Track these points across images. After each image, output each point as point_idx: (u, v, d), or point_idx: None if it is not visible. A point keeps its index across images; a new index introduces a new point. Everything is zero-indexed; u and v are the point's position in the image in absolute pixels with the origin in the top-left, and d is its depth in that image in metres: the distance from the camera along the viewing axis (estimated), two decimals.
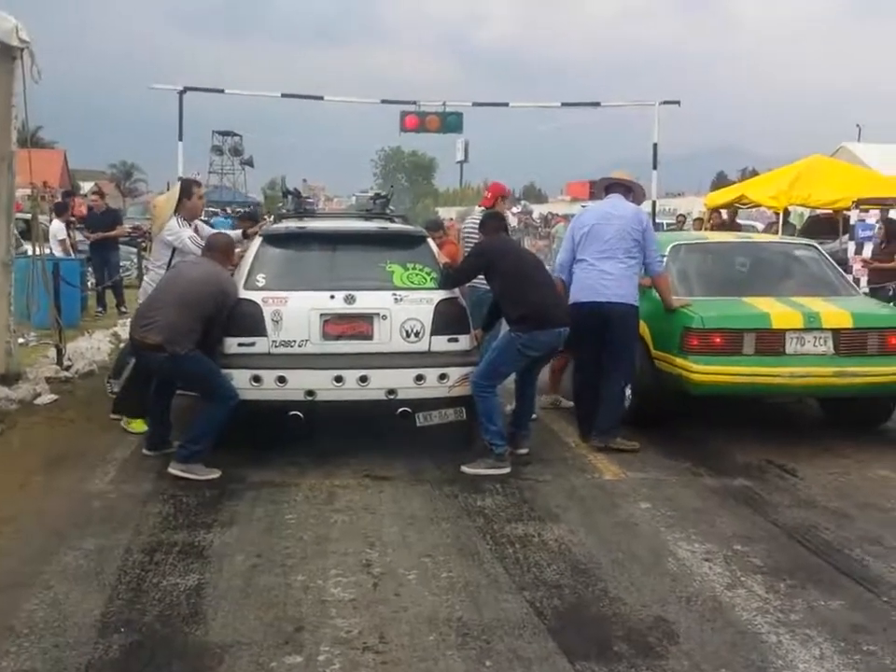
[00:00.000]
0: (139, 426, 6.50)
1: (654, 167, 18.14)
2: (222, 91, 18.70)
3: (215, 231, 7.67)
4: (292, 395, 5.74)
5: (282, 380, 5.71)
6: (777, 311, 6.51)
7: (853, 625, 3.71)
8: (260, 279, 6.04)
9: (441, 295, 6.12)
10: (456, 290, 6.32)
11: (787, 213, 15.31)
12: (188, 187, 7.05)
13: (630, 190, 6.81)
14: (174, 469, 5.53)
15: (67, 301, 10.08)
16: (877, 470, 6.01)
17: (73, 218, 15.33)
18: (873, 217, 12.61)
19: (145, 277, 7.66)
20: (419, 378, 5.82)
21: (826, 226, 16.01)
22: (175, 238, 6.65)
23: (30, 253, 9.28)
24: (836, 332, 6.40)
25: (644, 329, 6.69)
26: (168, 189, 9.07)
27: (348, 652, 3.42)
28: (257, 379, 5.71)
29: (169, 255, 6.72)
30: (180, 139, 17.47)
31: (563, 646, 3.49)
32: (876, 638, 3.60)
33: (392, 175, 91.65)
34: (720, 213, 17.17)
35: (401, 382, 5.82)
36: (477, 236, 7.08)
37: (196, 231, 6.94)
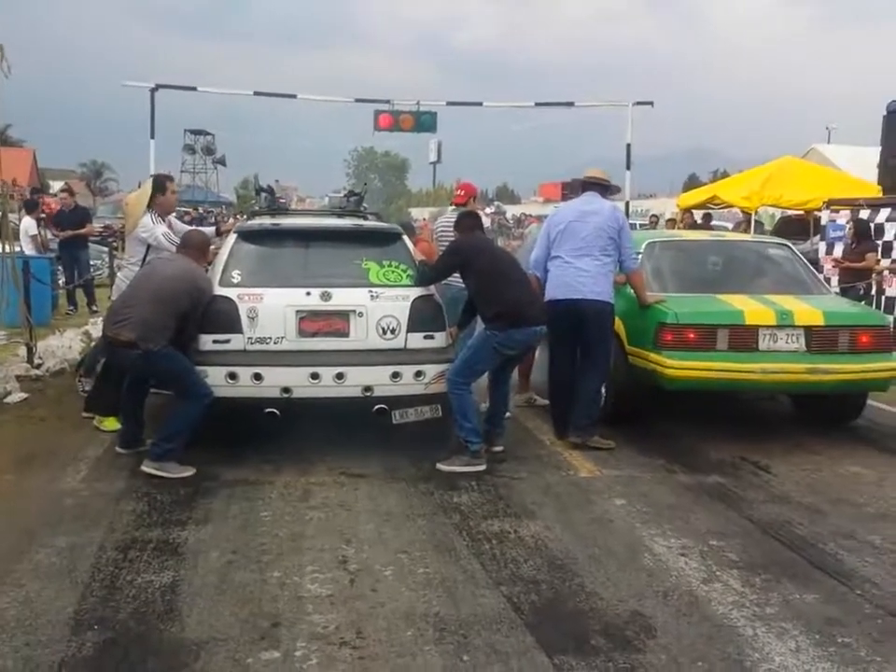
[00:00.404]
0: (111, 424, 6.43)
1: (628, 167, 18.21)
2: (194, 89, 18.56)
3: (190, 228, 7.62)
4: (268, 392, 5.70)
5: (258, 377, 5.67)
6: (751, 308, 6.57)
7: (828, 618, 3.75)
8: (236, 276, 5.99)
9: (417, 292, 6.11)
10: (432, 287, 6.30)
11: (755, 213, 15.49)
12: (161, 182, 6.95)
13: (606, 189, 6.84)
14: (147, 468, 5.47)
15: (38, 298, 9.97)
16: (849, 467, 6.07)
17: (43, 215, 15.16)
18: (843, 217, 12.77)
19: (118, 274, 7.56)
20: (395, 375, 5.80)
21: (797, 226, 16.20)
22: (149, 235, 6.58)
23: None
24: (808, 330, 6.47)
25: (619, 325, 6.72)
26: (139, 188, 8.97)
27: (325, 648, 3.40)
28: (232, 376, 5.66)
29: (143, 251, 6.66)
30: (152, 137, 17.28)
31: (540, 640, 3.49)
32: (851, 631, 3.64)
33: (365, 175, 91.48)
34: (691, 213, 17.31)
35: (378, 379, 5.80)
36: (450, 235, 7.07)
37: (170, 226, 6.89)
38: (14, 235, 10.48)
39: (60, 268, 14.14)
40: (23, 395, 7.50)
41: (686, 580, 4.13)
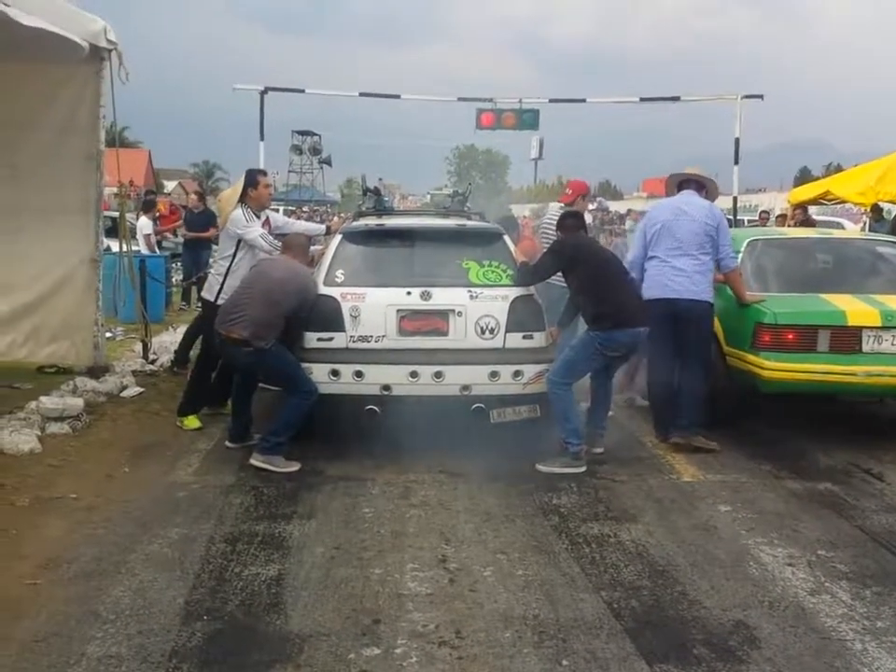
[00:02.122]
0: (191, 422, 6.63)
1: (736, 162, 17.63)
2: (303, 91, 18.77)
3: (286, 219, 7.74)
4: (368, 389, 5.81)
5: (359, 374, 5.78)
6: (854, 308, 6.33)
7: None
8: (339, 275, 6.12)
9: (516, 292, 6.11)
10: (532, 288, 6.29)
11: (878, 209, 14.84)
12: (252, 177, 6.73)
13: (703, 186, 6.70)
14: (255, 461, 5.64)
15: (153, 296, 10.38)
16: None
17: (157, 215, 15.77)
18: None
19: (210, 271, 7.53)
20: (494, 374, 5.83)
21: None
22: (245, 233, 6.47)
23: (114, 250, 9.57)
24: None
25: (716, 324, 6.58)
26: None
27: (425, 647, 3.44)
28: (335, 373, 5.79)
29: (234, 247, 6.58)
30: (261, 139, 17.57)
31: (641, 648, 3.45)
32: None
33: (466, 172, 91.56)
34: (804, 209, 16.73)
35: (476, 378, 5.84)
36: (554, 233, 7.04)
37: (267, 221, 6.84)
38: (131, 234, 10.94)
39: (174, 265, 14.65)
40: (139, 389, 7.80)
41: (793, 590, 4.02)
